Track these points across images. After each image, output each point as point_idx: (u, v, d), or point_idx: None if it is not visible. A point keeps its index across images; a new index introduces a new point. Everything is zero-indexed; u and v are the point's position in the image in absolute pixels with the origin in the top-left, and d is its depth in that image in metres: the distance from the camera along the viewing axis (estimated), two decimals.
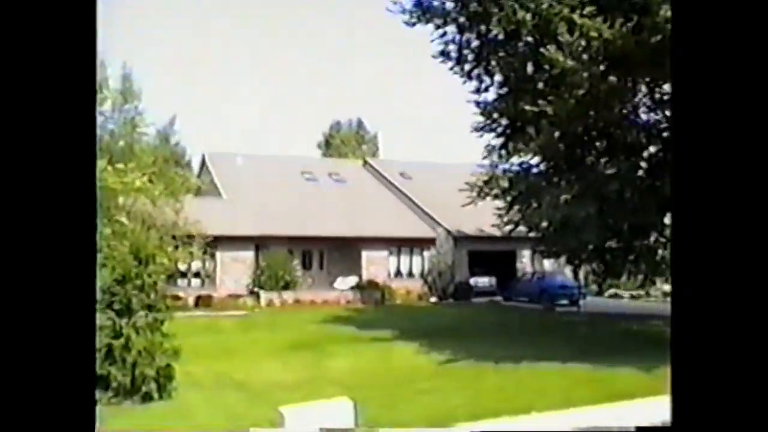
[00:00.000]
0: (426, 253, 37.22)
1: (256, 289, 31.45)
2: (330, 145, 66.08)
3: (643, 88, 18.46)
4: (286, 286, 31.60)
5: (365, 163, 45.50)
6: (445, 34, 18.88)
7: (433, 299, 35.43)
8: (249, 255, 32.40)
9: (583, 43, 14.56)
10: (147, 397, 11.45)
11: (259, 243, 32.46)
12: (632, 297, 34.91)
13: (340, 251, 35.61)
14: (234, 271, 31.99)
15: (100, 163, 19.56)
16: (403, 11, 18.81)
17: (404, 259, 37.12)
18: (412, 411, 11.44)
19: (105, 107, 25.48)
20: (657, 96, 18.92)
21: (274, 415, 7.86)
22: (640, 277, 19.02)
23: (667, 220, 15.25)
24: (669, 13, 13.87)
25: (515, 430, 9.50)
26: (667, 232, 15.10)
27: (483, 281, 37.50)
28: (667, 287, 30.59)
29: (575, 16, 14.64)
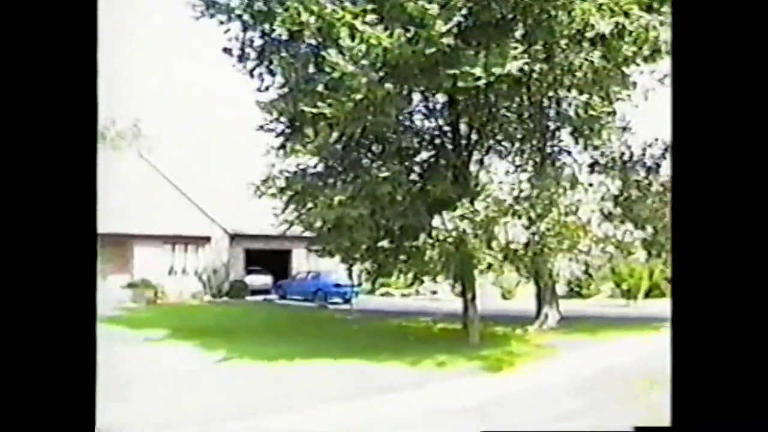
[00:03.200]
0: (201, 251, 36.59)
1: None
2: (104, 138, 62.82)
3: (418, 96, 19.33)
4: None
5: (141, 157, 43.76)
6: (228, 30, 18.72)
7: (207, 298, 34.91)
8: None
9: (364, 49, 14.99)
10: None
11: None
12: (403, 295, 36.43)
13: (111, 248, 34.07)
14: None
15: None
16: (187, 4, 18.42)
17: (179, 257, 36.24)
18: (185, 412, 11.26)
19: None
20: (430, 105, 19.92)
21: None
22: (410, 276, 19.79)
23: (435, 222, 16.02)
24: (443, 29, 14.69)
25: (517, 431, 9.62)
26: (434, 233, 15.87)
27: (258, 280, 37.51)
28: (434, 286, 32.20)
29: (357, 23, 15.04)
